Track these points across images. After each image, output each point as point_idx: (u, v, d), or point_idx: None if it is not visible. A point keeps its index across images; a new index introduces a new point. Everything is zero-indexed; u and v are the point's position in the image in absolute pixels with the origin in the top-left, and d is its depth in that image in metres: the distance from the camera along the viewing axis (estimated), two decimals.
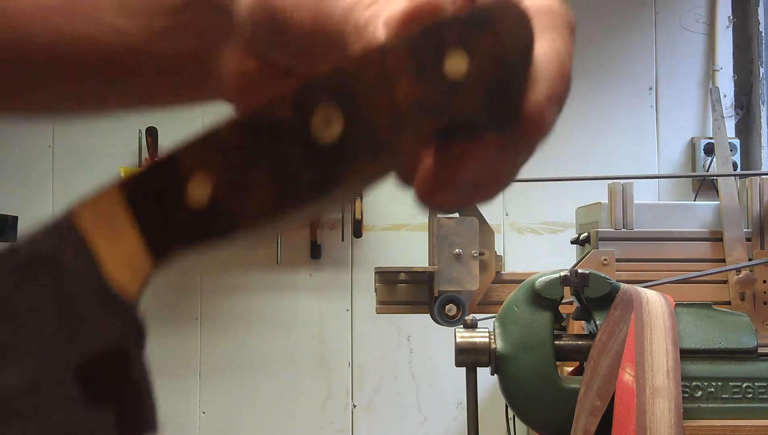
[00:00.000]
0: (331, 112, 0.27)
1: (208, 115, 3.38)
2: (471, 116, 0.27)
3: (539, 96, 0.28)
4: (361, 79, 0.27)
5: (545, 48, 0.29)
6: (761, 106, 3.27)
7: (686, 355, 1.02)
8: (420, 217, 2.86)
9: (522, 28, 0.27)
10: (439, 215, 1.73)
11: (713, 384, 1.02)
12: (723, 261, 1.82)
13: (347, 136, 0.27)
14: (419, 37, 0.27)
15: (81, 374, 0.26)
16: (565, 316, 1.20)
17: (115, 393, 0.27)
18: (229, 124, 0.28)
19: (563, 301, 1.08)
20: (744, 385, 1.02)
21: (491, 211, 2.83)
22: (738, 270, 1.77)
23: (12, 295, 0.26)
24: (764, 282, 1.77)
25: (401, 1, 0.30)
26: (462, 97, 0.27)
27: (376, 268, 1.83)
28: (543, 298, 1.05)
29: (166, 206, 0.27)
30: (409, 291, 1.81)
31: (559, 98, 0.29)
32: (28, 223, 3.25)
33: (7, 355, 0.26)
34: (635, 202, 1.87)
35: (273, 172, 0.27)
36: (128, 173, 0.28)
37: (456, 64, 0.27)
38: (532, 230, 3.32)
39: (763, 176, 1.89)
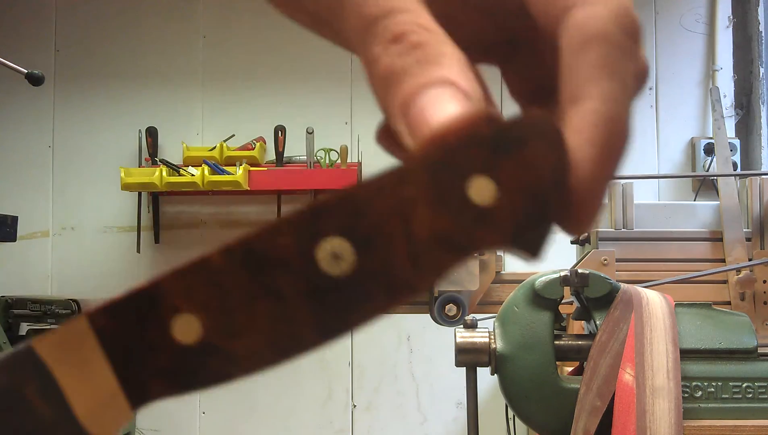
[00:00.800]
0: (339, 244, 0.24)
1: (207, 115, 3.38)
2: (498, 247, 0.24)
3: (586, 187, 0.24)
4: (373, 208, 0.24)
5: (592, 109, 0.23)
6: (761, 106, 3.26)
7: (686, 355, 1.02)
8: None
9: (555, 150, 0.24)
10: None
11: (713, 384, 1.02)
12: (723, 261, 1.82)
13: (357, 273, 0.24)
14: (440, 160, 0.24)
15: None
16: (565, 316, 1.20)
17: None
18: (222, 254, 0.24)
19: (563, 301, 1.08)
20: (744, 385, 1.02)
21: None
22: (738, 270, 1.77)
23: None
24: (764, 282, 1.77)
25: (443, 59, 0.24)
26: (488, 228, 0.24)
27: None
28: (543, 298, 1.05)
29: (145, 343, 0.24)
30: None
31: (610, 173, 0.24)
32: (28, 223, 3.24)
33: None
34: (635, 202, 1.87)
35: (272, 310, 0.24)
36: (97, 305, 0.24)
37: (481, 192, 0.24)
38: None
39: (763, 176, 1.89)
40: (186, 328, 0.24)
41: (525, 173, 0.24)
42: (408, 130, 0.24)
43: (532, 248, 0.24)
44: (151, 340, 0.24)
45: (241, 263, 0.24)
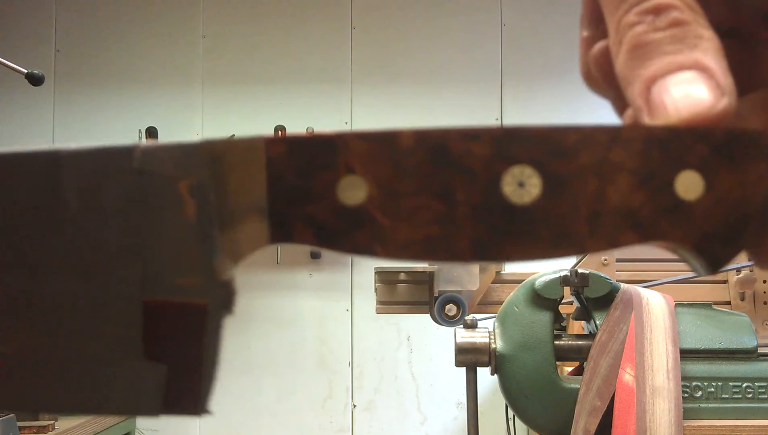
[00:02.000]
0: (530, 176, 0.23)
1: (207, 115, 3.38)
2: (680, 245, 0.24)
3: None
4: (577, 154, 0.23)
5: None
6: None
7: (686, 355, 1.02)
8: None
9: None
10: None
11: (713, 384, 1.02)
12: None
13: (534, 210, 0.23)
14: (663, 139, 0.23)
15: (147, 315, 0.23)
16: (565, 316, 1.20)
17: (176, 352, 0.23)
18: (415, 136, 0.23)
19: (563, 301, 1.08)
20: (744, 385, 1.02)
21: None
22: (738, 270, 1.77)
23: (111, 200, 0.23)
24: (764, 282, 1.77)
25: None
26: (679, 223, 0.23)
27: (376, 268, 1.83)
28: (543, 298, 1.05)
29: (307, 187, 0.23)
30: (409, 291, 1.81)
31: None
32: None
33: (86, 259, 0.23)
34: None
35: (438, 209, 0.23)
36: (277, 136, 0.24)
37: (687, 186, 0.23)
38: None
39: None
40: (351, 190, 0.23)
41: (739, 186, 0.23)
42: (647, 106, 0.24)
43: (712, 261, 0.24)
44: (314, 187, 0.23)
45: (429, 153, 0.23)
